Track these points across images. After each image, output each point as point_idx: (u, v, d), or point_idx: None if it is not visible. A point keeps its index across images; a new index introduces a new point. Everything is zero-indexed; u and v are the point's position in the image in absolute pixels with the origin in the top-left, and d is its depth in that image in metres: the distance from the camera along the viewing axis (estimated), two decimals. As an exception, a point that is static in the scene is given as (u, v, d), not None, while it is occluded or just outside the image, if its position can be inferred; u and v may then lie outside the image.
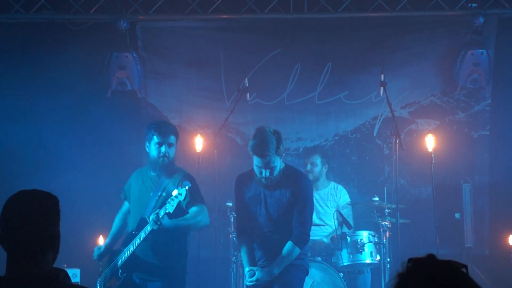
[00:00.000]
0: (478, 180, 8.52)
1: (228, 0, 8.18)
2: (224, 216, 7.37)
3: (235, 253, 7.12)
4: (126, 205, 6.56)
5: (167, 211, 5.85)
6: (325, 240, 7.47)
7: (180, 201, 5.89)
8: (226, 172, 8.16)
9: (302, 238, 5.83)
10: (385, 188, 7.59)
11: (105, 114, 8.26)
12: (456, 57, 8.14)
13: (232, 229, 7.15)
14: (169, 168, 6.28)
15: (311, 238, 7.52)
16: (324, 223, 7.69)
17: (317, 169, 7.83)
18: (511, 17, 8.29)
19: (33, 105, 8.33)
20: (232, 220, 7.10)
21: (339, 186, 7.90)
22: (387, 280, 7.00)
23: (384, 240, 7.09)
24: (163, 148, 6.22)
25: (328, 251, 7.21)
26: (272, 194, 5.86)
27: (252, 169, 5.92)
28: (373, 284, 7.41)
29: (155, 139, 6.24)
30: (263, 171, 5.77)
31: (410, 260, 1.95)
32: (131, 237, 6.21)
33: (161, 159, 6.24)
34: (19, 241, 2.66)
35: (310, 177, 7.76)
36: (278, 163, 5.79)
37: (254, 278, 5.79)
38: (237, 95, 7.93)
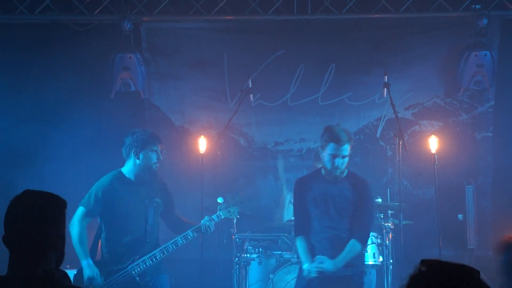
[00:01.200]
0: (481, 181, 8.52)
1: (232, 1, 8.19)
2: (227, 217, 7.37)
3: (238, 254, 7.12)
4: (85, 212, 6.48)
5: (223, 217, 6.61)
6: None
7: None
8: (230, 173, 8.18)
9: (366, 238, 6.30)
10: (388, 189, 7.60)
11: (108, 115, 8.28)
12: (460, 58, 8.13)
13: (235, 230, 7.15)
14: (151, 177, 6.60)
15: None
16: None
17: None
18: (515, 19, 8.29)
19: (37, 105, 8.35)
20: (235, 221, 7.10)
21: None
22: (390, 282, 6.99)
23: (387, 241, 7.07)
24: (158, 155, 6.54)
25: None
26: (337, 190, 6.18)
27: (313, 172, 6.37)
28: (377, 286, 7.39)
29: (154, 146, 6.49)
30: (337, 160, 6.12)
31: (422, 262, 1.95)
32: (141, 244, 6.31)
33: (155, 165, 6.53)
34: (22, 241, 2.67)
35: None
36: (348, 156, 6.19)
37: (323, 265, 6.04)
38: (240, 96, 7.94)
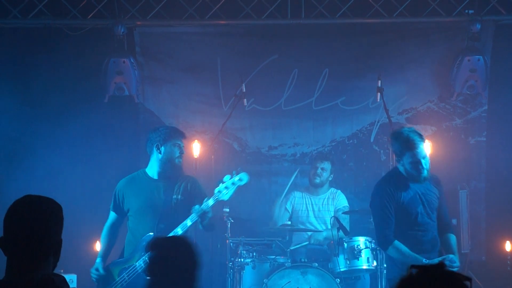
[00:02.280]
0: (474, 186, 8.53)
1: (225, 6, 8.20)
2: (221, 222, 7.35)
3: (232, 259, 7.11)
4: (114, 215, 6.45)
5: (220, 199, 6.14)
6: (321, 245, 7.49)
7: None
8: (223, 178, 8.16)
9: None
10: (382, 194, 7.58)
11: (102, 119, 8.27)
12: (453, 63, 8.16)
13: (229, 235, 7.14)
14: (179, 170, 6.38)
15: (307, 244, 7.55)
16: (320, 229, 7.70)
17: (326, 175, 7.88)
18: (508, 24, 8.32)
19: (30, 109, 8.33)
20: (229, 225, 7.09)
21: (338, 191, 7.94)
22: (383, 286, 6.99)
23: (381, 246, 7.08)
24: (181, 149, 6.32)
25: (325, 257, 7.21)
26: (424, 188, 5.90)
27: (393, 175, 5.97)
28: (371, 290, 7.40)
29: (176, 141, 6.29)
30: (423, 161, 5.77)
31: (413, 266, 1.95)
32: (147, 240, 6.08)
33: (177, 159, 6.29)
34: (24, 245, 2.66)
35: (318, 180, 7.84)
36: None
37: (457, 264, 5.81)
38: (234, 100, 7.94)
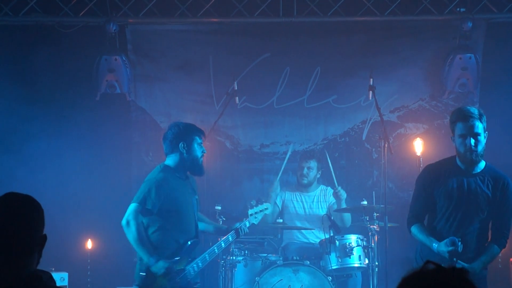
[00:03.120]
0: (466, 184, 8.54)
1: (217, 4, 8.19)
2: (213, 220, 7.36)
3: (224, 257, 7.11)
4: (145, 212, 5.88)
5: (251, 223, 6.28)
6: (313, 243, 7.50)
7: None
8: (216, 176, 8.17)
9: (505, 243, 5.38)
10: (374, 191, 7.60)
11: (94, 117, 8.25)
12: (445, 61, 8.18)
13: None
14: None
15: (299, 241, 7.55)
16: (312, 227, 7.71)
17: (313, 174, 7.88)
18: (499, 22, 8.34)
19: (21, 107, 8.30)
20: (220, 223, 7.09)
21: (328, 188, 7.94)
22: (375, 284, 7.01)
23: (373, 244, 7.10)
24: (203, 148, 6.07)
25: (317, 255, 7.22)
26: (474, 184, 5.29)
27: (445, 160, 5.46)
28: (362, 288, 7.41)
29: (198, 139, 6.01)
30: (468, 140, 5.17)
31: (428, 261, 1.91)
32: (195, 244, 5.97)
33: (201, 159, 6.03)
34: (8, 243, 2.65)
35: (305, 181, 7.83)
36: (483, 137, 5.24)
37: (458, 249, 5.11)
38: (226, 98, 7.94)
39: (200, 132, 6.06)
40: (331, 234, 7.03)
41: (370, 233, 7.13)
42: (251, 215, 6.27)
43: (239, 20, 8.33)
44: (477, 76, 8.14)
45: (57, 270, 6.91)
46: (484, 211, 5.28)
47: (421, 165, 7.09)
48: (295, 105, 8.61)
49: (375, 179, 8.54)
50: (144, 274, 5.75)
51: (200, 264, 5.98)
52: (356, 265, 7.09)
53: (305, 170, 7.87)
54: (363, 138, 8.65)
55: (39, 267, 2.74)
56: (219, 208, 7.21)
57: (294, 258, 7.12)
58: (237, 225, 6.19)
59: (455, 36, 8.22)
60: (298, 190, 7.97)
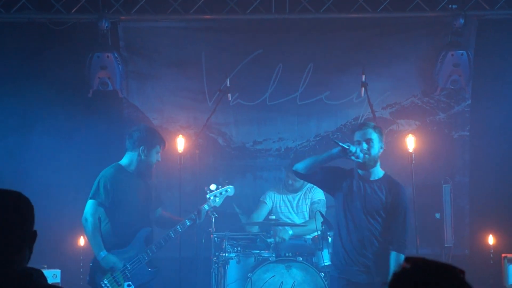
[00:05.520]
0: (458, 180, 8.58)
1: (210, 1, 8.18)
2: (205, 216, 7.36)
3: (217, 253, 7.11)
4: (98, 206, 6.64)
5: (213, 206, 6.82)
6: (305, 240, 7.51)
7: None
8: (208, 173, 8.17)
9: (404, 247, 5.81)
10: (366, 188, 7.60)
11: (86, 114, 8.23)
12: (437, 58, 8.19)
13: (214, 230, 7.14)
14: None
15: (291, 239, 7.55)
16: (299, 223, 7.71)
17: (298, 183, 7.83)
18: (491, 19, 8.35)
19: (14, 104, 8.28)
20: (213, 220, 7.09)
21: (314, 186, 7.90)
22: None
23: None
24: (159, 156, 6.75)
25: (309, 251, 7.22)
26: (370, 189, 5.88)
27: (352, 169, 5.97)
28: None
29: (158, 148, 6.72)
30: (361, 145, 5.80)
31: (407, 259, 1.93)
32: (148, 233, 6.66)
33: (153, 166, 6.79)
34: None
35: (290, 189, 7.81)
36: (377, 143, 5.86)
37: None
38: (219, 95, 7.94)
39: (162, 143, 6.78)
40: (323, 230, 7.02)
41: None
42: (209, 198, 6.85)
43: (231, 17, 8.33)
44: (469, 72, 8.16)
45: (49, 267, 6.90)
46: (381, 216, 5.81)
47: (413, 162, 7.11)
48: (287, 102, 8.61)
49: (367, 175, 8.53)
50: (92, 264, 6.54)
51: (154, 249, 6.62)
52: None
53: (290, 181, 7.85)
54: (356, 134, 8.65)
55: (31, 264, 2.73)
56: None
57: (287, 254, 7.12)
58: (201, 212, 6.81)
59: (447, 33, 8.24)
60: (286, 190, 7.92)
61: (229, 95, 7.82)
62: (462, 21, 7.98)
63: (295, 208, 7.85)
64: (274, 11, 8.21)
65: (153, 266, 6.71)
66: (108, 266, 6.46)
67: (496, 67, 8.38)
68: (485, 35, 8.37)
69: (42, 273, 2.71)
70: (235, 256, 7.12)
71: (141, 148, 6.69)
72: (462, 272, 1.91)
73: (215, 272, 7.14)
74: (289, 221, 7.74)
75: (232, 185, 7.06)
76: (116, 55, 8.10)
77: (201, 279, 7.48)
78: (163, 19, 8.44)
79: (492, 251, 7.99)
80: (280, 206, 7.88)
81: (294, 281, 6.92)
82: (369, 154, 5.80)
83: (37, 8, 8.13)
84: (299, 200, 7.88)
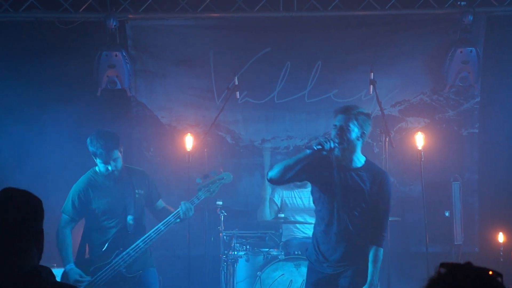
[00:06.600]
0: (467, 177, 8.55)
1: (217, -1, 8.19)
2: (214, 215, 7.36)
3: (225, 252, 7.12)
4: (72, 217, 6.54)
5: (202, 198, 6.58)
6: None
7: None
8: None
9: (383, 241, 5.53)
10: (375, 186, 7.58)
11: (95, 113, 8.24)
12: (446, 55, 8.16)
13: (222, 228, 7.14)
14: (122, 174, 6.54)
15: (299, 236, 7.54)
16: (310, 221, 7.69)
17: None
18: (500, 15, 8.32)
19: (21, 103, 8.30)
20: (222, 218, 7.09)
21: None
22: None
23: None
24: (109, 167, 6.44)
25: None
26: (350, 178, 5.49)
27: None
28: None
29: (99, 161, 6.45)
30: (332, 131, 5.48)
31: (442, 265, 1.88)
32: (124, 237, 6.41)
33: (111, 174, 6.48)
34: (5, 238, 2.65)
35: (299, 184, 7.78)
36: (356, 130, 5.52)
37: None
38: (227, 93, 7.94)
39: (100, 158, 6.40)
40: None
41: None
42: (199, 190, 6.63)
43: (239, 15, 8.32)
44: (478, 69, 8.13)
45: (59, 266, 6.91)
46: (362, 206, 5.45)
47: (423, 159, 7.10)
48: (296, 100, 8.59)
49: (376, 173, 8.51)
50: (61, 276, 6.37)
51: (133, 253, 6.37)
52: (358, 259, 7.07)
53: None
54: (364, 132, 8.63)
55: (42, 262, 2.73)
56: (220, 203, 7.23)
57: (296, 253, 7.12)
58: (182, 206, 6.46)
59: (456, 30, 8.21)
60: (295, 189, 7.90)
61: (238, 93, 7.82)
62: (471, 18, 7.95)
63: (307, 205, 7.79)
64: (282, 9, 8.20)
65: (132, 273, 6.42)
66: (73, 278, 6.30)
67: (505, 64, 8.35)
68: (494, 31, 8.33)
69: (51, 271, 2.71)
70: (244, 254, 7.12)
71: (98, 161, 6.49)
72: (500, 275, 1.86)
73: (224, 271, 7.15)
74: (299, 218, 7.71)
75: (218, 183, 6.74)
76: (124, 54, 8.11)
77: (210, 277, 7.47)
78: (171, 18, 8.43)
79: (502, 248, 7.96)
80: (289, 203, 7.85)
81: (303, 280, 6.90)
82: (343, 142, 5.44)
83: (45, 7, 8.14)
84: (309, 196, 7.84)
